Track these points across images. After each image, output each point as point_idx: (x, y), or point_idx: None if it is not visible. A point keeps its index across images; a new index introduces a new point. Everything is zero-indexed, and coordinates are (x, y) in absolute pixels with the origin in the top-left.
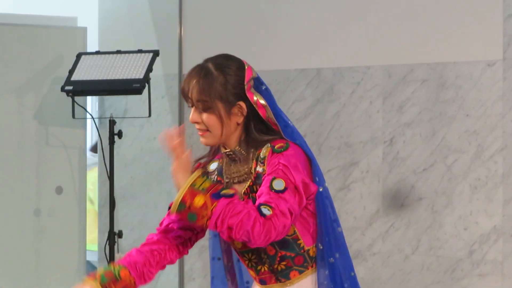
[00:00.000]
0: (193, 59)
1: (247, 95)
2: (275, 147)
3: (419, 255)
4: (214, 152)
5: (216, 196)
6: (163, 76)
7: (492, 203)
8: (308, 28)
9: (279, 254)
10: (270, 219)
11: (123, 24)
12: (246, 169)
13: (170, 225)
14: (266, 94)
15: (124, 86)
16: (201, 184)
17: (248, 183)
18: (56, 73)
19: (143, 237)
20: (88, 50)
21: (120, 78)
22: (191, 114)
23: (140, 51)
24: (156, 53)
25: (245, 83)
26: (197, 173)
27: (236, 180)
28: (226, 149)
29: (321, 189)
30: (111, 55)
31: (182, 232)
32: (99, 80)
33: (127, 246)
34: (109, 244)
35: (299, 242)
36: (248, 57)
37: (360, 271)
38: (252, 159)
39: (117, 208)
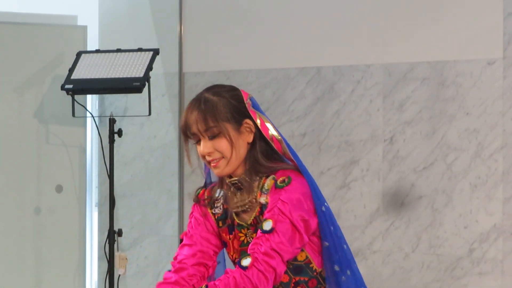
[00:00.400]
0: (193, 58)
1: (250, 112)
2: (278, 182)
3: (419, 254)
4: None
5: None
6: (163, 74)
7: (492, 201)
8: (308, 26)
9: (293, 280)
10: (252, 266)
11: (123, 22)
12: (250, 198)
13: (183, 262)
14: (264, 114)
15: (124, 85)
16: None
17: (255, 213)
18: (56, 71)
19: (143, 236)
20: (88, 49)
21: (120, 76)
22: (202, 147)
23: (140, 50)
24: (156, 52)
25: (245, 101)
26: None
27: (240, 210)
28: (231, 177)
29: (323, 209)
30: (111, 53)
31: (195, 270)
32: (99, 78)
33: (127, 244)
34: (109, 243)
35: (311, 265)
36: (248, 56)
37: (361, 269)
38: (258, 188)
39: (117, 207)
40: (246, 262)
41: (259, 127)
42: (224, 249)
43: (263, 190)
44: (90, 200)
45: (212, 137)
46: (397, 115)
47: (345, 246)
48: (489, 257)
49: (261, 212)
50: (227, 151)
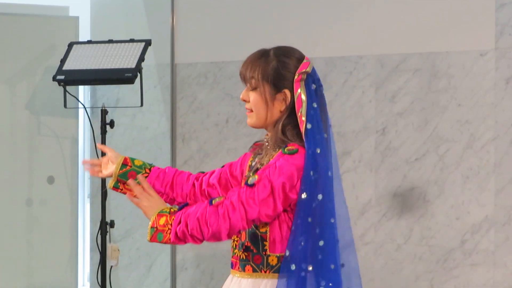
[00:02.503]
0: (185, 49)
1: (294, 85)
2: (285, 148)
3: (411, 245)
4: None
5: (174, 212)
6: (155, 65)
7: (484, 192)
8: (300, 17)
9: (246, 244)
10: (216, 206)
11: (115, 13)
12: (263, 160)
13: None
14: (313, 93)
15: (116, 76)
16: (169, 209)
17: None
18: (48, 62)
19: (135, 227)
20: (80, 40)
21: (112, 67)
22: (243, 92)
23: (132, 41)
24: (148, 43)
25: (296, 73)
26: (162, 204)
27: (256, 166)
28: (267, 134)
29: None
30: (103, 44)
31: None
32: (91, 69)
33: (119, 236)
34: (101, 234)
35: (265, 243)
36: (240, 47)
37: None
38: (273, 154)
39: (109, 198)
40: (215, 200)
41: (295, 99)
42: None
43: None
44: (82, 192)
45: (252, 88)
46: (389, 106)
47: (320, 243)
48: (481, 248)
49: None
50: (257, 108)
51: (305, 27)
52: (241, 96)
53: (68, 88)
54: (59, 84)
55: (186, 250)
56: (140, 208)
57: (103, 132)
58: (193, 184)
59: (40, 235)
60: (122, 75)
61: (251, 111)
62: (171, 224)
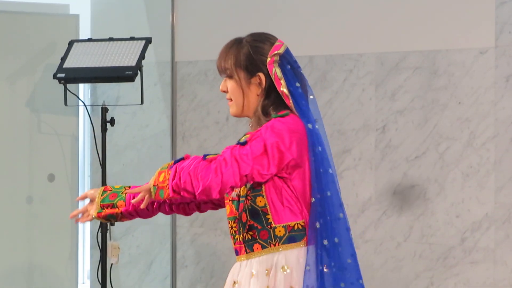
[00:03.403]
0: (185, 47)
1: (268, 67)
2: (277, 113)
3: (411, 243)
4: None
5: (171, 167)
6: (156, 63)
7: (484, 190)
8: (300, 15)
9: (249, 223)
10: (209, 161)
11: (116, 11)
12: None
13: None
14: (289, 73)
15: (117, 74)
16: (167, 165)
17: None
18: (48, 60)
19: (135, 225)
20: (81, 38)
21: (113, 65)
22: (221, 83)
23: (132, 39)
24: (148, 41)
25: (269, 55)
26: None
27: None
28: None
29: (321, 171)
30: (103, 42)
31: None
32: (92, 67)
33: (119, 233)
34: (101, 232)
35: (267, 216)
36: None
37: None
38: None
39: None
40: (209, 156)
41: (273, 80)
42: None
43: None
44: (83, 189)
45: (228, 77)
46: (389, 104)
47: (341, 215)
48: (481, 246)
49: None
50: (235, 96)
51: (306, 25)
52: (220, 88)
53: (69, 86)
54: (60, 82)
55: (186, 248)
56: (145, 189)
57: (104, 130)
58: None
59: (40, 233)
60: (122, 73)
61: (231, 100)
62: (168, 179)
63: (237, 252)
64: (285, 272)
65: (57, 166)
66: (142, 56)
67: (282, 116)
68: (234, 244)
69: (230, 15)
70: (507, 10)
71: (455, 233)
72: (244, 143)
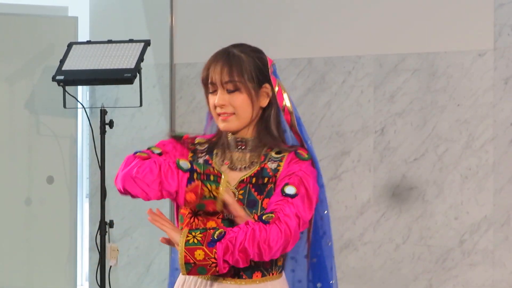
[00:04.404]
0: (184, 49)
1: (271, 78)
2: (299, 152)
3: (410, 245)
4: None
5: (212, 243)
6: (155, 65)
7: (483, 192)
8: (299, 17)
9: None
10: (273, 223)
11: (114, 13)
12: (253, 160)
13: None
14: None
15: (115, 76)
16: (193, 238)
17: (250, 173)
18: (47, 62)
19: (134, 227)
20: (79, 40)
21: (111, 67)
22: (217, 98)
23: (131, 41)
24: (147, 43)
25: (269, 66)
26: (185, 231)
27: (238, 167)
28: (234, 134)
29: (325, 212)
30: (102, 44)
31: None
32: (90, 69)
33: (118, 235)
34: (100, 234)
35: None
36: None
37: (351, 260)
38: (260, 154)
39: (108, 198)
40: (267, 217)
41: (276, 94)
42: None
43: (271, 157)
44: (81, 191)
45: (230, 91)
46: (388, 106)
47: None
48: (480, 248)
49: (260, 175)
50: (240, 108)
51: (305, 27)
52: (217, 103)
53: (68, 88)
54: (59, 84)
55: None
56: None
57: (102, 132)
58: None
59: (39, 235)
60: (121, 75)
61: (232, 114)
62: (214, 258)
63: (223, 274)
64: None
65: (56, 168)
66: (141, 58)
67: (309, 159)
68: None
69: (228, 17)
70: (506, 12)
71: (454, 235)
72: (294, 196)
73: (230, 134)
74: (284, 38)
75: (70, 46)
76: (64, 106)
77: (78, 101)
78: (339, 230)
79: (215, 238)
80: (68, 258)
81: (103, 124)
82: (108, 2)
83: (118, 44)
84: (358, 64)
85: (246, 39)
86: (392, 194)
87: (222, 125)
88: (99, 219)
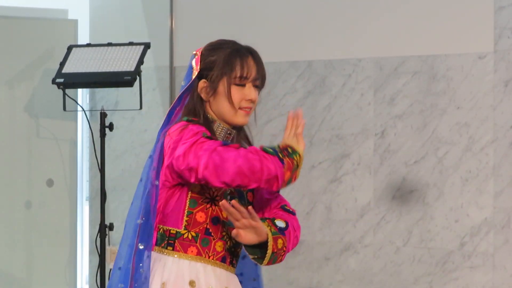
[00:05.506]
0: (184, 52)
1: None
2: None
3: (410, 247)
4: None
5: (282, 232)
6: (154, 68)
7: (483, 195)
8: (299, 20)
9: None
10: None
11: (114, 16)
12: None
13: None
14: None
15: (115, 79)
16: (269, 227)
17: None
18: (47, 65)
19: None
20: (79, 43)
21: (111, 70)
22: (252, 92)
23: (131, 44)
24: (147, 46)
25: None
26: (266, 224)
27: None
28: (230, 125)
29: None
30: (102, 47)
31: None
32: (90, 72)
33: (118, 238)
34: (100, 237)
35: None
36: None
37: (352, 263)
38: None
39: (108, 201)
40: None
41: None
42: None
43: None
44: (81, 194)
45: (257, 88)
46: (388, 108)
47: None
48: (480, 250)
49: None
50: (254, 104)
51: (305, 30)
52: (254, 97)
53: (67, 91)
54: (59, 87)
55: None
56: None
57: (102, 135)
58: None
59: (39, 238)
60: (121, 78)
61: (251, 109)
62: (285, 246)
63: (224, 259)
64: None
65: (55, 171)
66: (140, 61)
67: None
68: (223, 250)
69: (228, 20)
70: (506, 15)
71: (454, 238)
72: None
73: (223, 125)
74: (283, 41)
75: (70, 49)
76: (64, 109)
77: (78, 104)
78: (340, 232)
79: (282, 229)
80: (68, 261)
81: (103, 127)
82: (108, 4)
83: (118, 47)
84: (358, 67)
85: (246, 41)
86: (392, 197)
87: (244, 119)
88: (99, 222)
